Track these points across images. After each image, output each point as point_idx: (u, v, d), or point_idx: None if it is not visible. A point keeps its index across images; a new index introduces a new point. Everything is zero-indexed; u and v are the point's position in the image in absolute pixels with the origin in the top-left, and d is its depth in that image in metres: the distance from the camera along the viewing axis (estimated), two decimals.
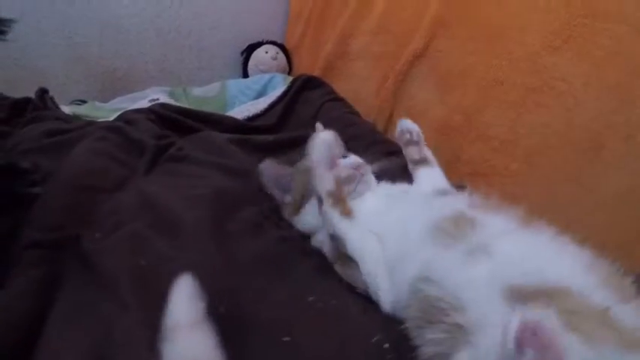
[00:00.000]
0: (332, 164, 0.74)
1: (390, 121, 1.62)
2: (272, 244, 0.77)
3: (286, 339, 0.55)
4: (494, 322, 0.46)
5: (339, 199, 0.70)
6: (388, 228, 0.69)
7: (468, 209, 0.66)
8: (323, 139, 0.75)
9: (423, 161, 0.95)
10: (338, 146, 0.70)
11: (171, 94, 1.80)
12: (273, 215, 0.88)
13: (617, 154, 0.98)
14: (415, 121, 1.48)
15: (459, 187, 1.16)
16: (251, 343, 0.55)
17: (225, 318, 0.55)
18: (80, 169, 0.95)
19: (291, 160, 1.03)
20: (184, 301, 0.50)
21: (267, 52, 2.20)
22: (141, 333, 0.53)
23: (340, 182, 0.72)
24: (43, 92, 1.48)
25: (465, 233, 0.60)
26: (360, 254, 0.67)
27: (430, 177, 0.92)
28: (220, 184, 0.94)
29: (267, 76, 1.92)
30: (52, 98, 1.50)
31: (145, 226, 0.75)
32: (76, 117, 1.54)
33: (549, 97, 1.11)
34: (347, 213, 0.69)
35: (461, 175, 1.29)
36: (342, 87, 1.81)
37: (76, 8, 1.90)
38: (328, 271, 0.73)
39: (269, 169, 0.89)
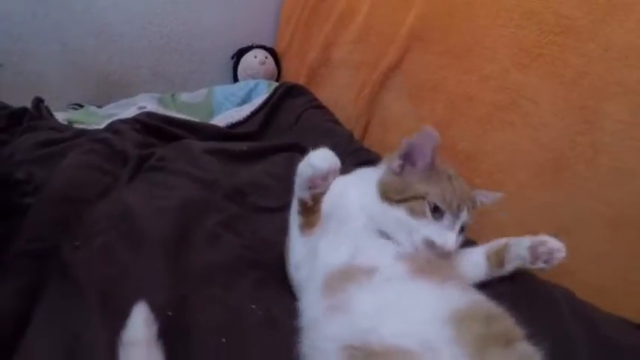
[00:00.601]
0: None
1: (367, 129, 1.71)
2: (228, 253, 0.87)
3: (223, 340, 0.67)
4: None
5: (310, 211, 0.77)
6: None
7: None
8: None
9: None
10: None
11: (160, 101, 1.90)
12: (235, 223, 0.99)
13: (580, 177, 1.00)
14: (388, 131, 1.58)
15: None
16: (192, 343, 0.66)
17: (173, 320, 0.67)
18: (66, 183, 1.06)
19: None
20: (140, 323, 0.62)
21: (255, 57, 2.28)
22: (103, 338, 0.64)
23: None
24: (38, 102, 1.60)
25: (342, 288, 0.64)
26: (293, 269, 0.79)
27: None
28: (189, 195, 1.05)
29: (251, 83, 2.02)
30: (47, 107, 1.61)
31: (117, 236, 0.86)
32: (70, 123, 1.66)
33: (516, 115, 1.14)
34: (309, 227, 0.78)
35: None
36: (324, 94, 1.90)
37: (72, 16, 2.00)
38: (277, 281, 0.84)
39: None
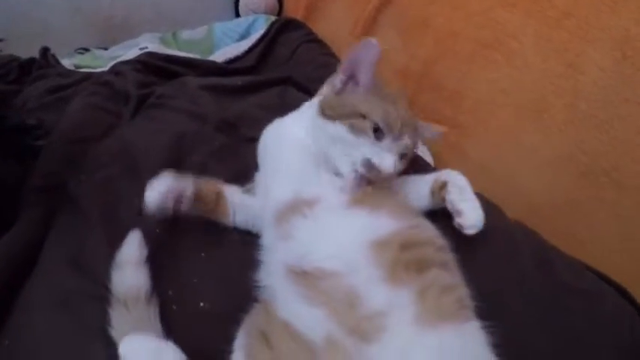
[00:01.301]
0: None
1: None
2: None
3: (202, 254, 0.79)
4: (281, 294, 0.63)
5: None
6: None
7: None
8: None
9: None
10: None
11: (161, 40, 1.96)
12: (224, 154, 1.08)
13: (559, 120, 0.99)
14: (379, 66, 1.59)
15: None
16: (177, 256, 0.78)
17: (161, 237, 0.79)
18: (72, 125, 1.17)
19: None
20: (133, 246, 0.73)
21: None
22: (102, 250, 0.77)
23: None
24: (45, 51, 1.70)
25: (287, 219, 0.69)
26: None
27: None
28: (183, 129, 1.14)
29: (250, 19, 2.04)
30: (53, 55, 1.71)
31: (117, 169, 0.97)
32: (77, 68, 1.75)
33: (499, 53, 1.12)
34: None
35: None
36: (322, 28, 1.91)
37: None
38: None
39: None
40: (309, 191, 0.73)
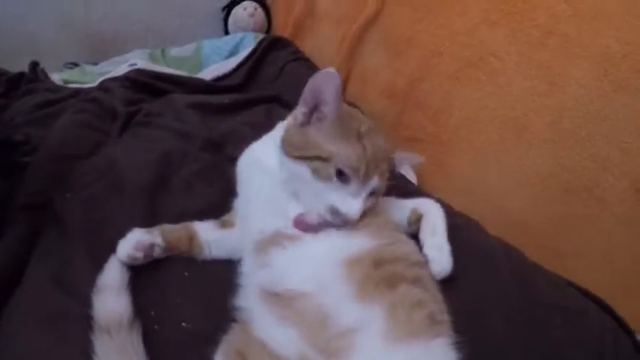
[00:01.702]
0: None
1: (348, 81, 1.76)
2: (200, 200, 0.98)
3: (185, 273, 0.80)
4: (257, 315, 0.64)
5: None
6: None
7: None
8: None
9: None
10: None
11: (150, 56, 1.98)
12: (208, 173, 1.09)
13: (541, 137, 1.01)
14: (367, 84, 1.63)
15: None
16: (159, 274, 0.80)
17: None
18: (59, 142, 1.18)
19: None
20: (115, 271, 0.74)
21: (245, 9, 2.31)
22: (87, 268, 0.78)
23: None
24: (34, 65, 1.71)
25: (266, 251, 0.70)
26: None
27: None
28: (169, 147, 1.15)
29: (238, 36, 2.07)
30: (42, 70, 1.72)
31: (102, 187, 0.98)
32: (66, 83, 1.76)
33: (483, 72, 1.15)
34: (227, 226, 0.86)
35: (400, 138, 1.42)
36: (309, 46, 1.96)
37: None
38: None
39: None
40: (285, 223, 0.73)
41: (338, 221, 0.70)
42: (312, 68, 1.82)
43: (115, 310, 0.69)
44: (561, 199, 0.98)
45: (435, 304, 0.64)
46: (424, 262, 0.73)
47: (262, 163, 0.82)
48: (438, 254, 0.76)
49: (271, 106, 1.50)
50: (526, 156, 1.04)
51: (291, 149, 0.73)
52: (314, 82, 0.72)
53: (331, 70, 0.70)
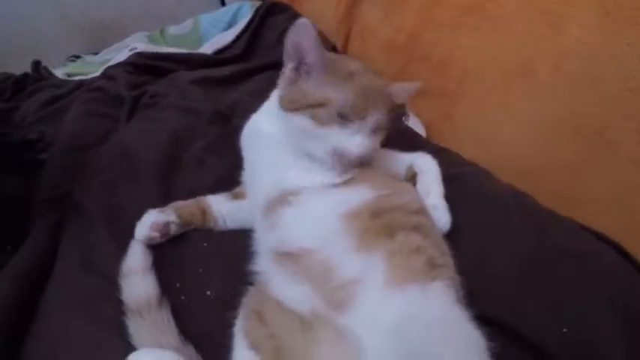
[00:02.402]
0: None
1: (348, 40, 1.72)
2: (211, 175, 1.00)
3: (205, 244, 0.83)
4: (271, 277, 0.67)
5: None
6: None
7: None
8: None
9: None
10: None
11: (150, 38, 1.97)
12: (218, 146, 1.10)
13: (546, 82, 0.97)
14: (367, 41, 1.60)
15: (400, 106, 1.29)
16: (182, 246, 0.83)
17: None
18: (72, 134, 1.21)
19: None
20: (138, 255, 0.77)
21: None
22: (111, 250, 0.81)
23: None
24: (37, 64, 1.73)
25: (275, 210, 0.72)
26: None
27: None
28: (177, 125, 1.17)
29: (235, 6, 2.04)
30: (45, 67, 1.74)
31: (116, 172, 1.01)
32: (70, 76, 1.78)
33: (482, 19, 1.11)
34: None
35: None
36: (307, 9, 1.92)
37: None
38: None
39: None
40: (293, 182, 0.74)
41: (347, 162, 0.72)
42: None
43: (143, 292, 0.72)
44: (572, 144, 0.94)
45: (435, 249, 0.65)
46: (425, 209, 0.73)
47: (263, 131, 0.84)
48: (433, 213, 0.76)
49: (273, 72, 1.47)
50: (533, 102, 1.01)
51: (289, 104, 0.75)
52: (291, 37, 0.72)
53: (303, 20, 0.70)
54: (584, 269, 0.74)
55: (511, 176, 0.99)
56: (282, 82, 0.80)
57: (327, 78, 0.72)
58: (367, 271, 0.59)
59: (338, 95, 0.71)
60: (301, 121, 0.73)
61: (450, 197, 0.79)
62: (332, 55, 0.78)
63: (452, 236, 0.75)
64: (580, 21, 0.90)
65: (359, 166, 0.74)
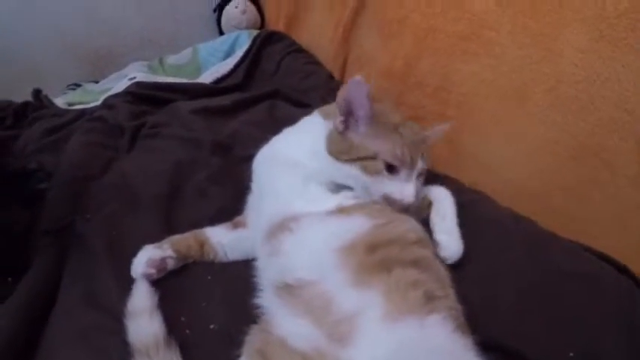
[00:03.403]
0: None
1: (345, 68, 1.75)
2: (213, 205, 1.01)
3: (208, 277, 0.83)
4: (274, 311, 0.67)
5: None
6: None
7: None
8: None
9: None
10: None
11: (149, 67, 2.00)
12: (220, 176, 1.11)
13: (542, 106, 0.99)
14: (364, 68, 1.63)
15: None
16: (185, 280, 0.83)
17: None
18: (73, 164, 1.21)
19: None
20: (143, 295, 0.77)
21: (236, 7, 2.31)
22: (113, 282, 0.81)
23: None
24: (37, 92, 1.75)
25: (277, 235, 0.73)
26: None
27: None
28: (179, 156, 1.18)
29: (233, 36, 2.08)
30: (46, 96, 1.76)
31: (118, 204, 1.02)
32: (71, 105, 1.80)
33: (478, 45, 1.13)
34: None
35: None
36: (304, 36, 1.95)
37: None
38: None
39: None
40: (296, 207, 0.76)
41: (396, 207, 0.76)
42: (308, 59, 1.83)
43: (150, 333, 0.71)
44: (569, 166, 0.96)
45: (433, 281, 0.65)
46: (425, 240, 0.74)
47: (286, 156, 0.86)
48: (447, 239, 0.78)
49: (272, 102, 1.51)
50: (530, 125, 1.02)
51: (339, 154, 0.78)
52: (345, 93, 0.76)
53: (358, 78, 0.74)
54: (588, 291, 0.75)
55: (511, 199, 1.01)
56: (331, 130, 0.82)
57: (376, 130, 0.78)
58: (365, 306, 0.60)
59: (388, 148, 0.76)
60: (352, 170, 0.77)
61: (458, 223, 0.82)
62: (378, 106, 0.80)
63: (455, 263, 0.76)
64: (574, 44, 0.91)
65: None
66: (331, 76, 1.70)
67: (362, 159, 0.77)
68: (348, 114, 0.78)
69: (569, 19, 0.92)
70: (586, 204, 0.95)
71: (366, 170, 0.76)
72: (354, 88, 0.75)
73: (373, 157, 0.76)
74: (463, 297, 0.69)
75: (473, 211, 0.90)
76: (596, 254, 0.85)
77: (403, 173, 0.77)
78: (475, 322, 0.66)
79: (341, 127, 0.79)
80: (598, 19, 0.87)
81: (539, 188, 1.03)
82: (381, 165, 0.76)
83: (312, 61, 1.80)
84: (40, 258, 0.93)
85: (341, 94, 0.78)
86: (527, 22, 1.00)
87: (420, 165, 0.79)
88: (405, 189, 0.76)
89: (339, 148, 0.79)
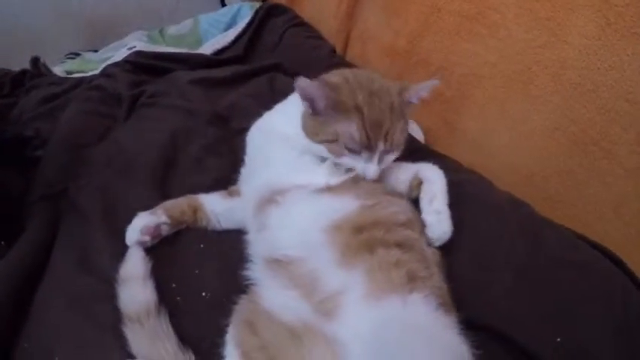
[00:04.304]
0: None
1: (348, 43, 1.72)
2: (209, 175, 1.00)
3: (201, 246, 0.84)
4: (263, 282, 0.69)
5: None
6: None
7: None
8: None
9: None
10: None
11: (149, 37, 1.97)
12: (217, 146, 1.10)
13: (545, 90, 0.98)
14: (367, 45, 1.60)
15: None
16: (177, 249, 0.83)
17: None
18: (69, 132, 1.20)
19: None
20: (137, 262, 0.77)
21: None
22: (107, 249, 0.82)
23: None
24: (36, 60, 1.72)
25: (264, 209, 0.75)
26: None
27: None
28: (176, 126, 1.17)
29: (235, 7, 2.04)
30: (44, 64, 1.73)
31: (113, 172, 1.01)
32: (69, 74, 1.78)
33: (482, 26, 1.11)
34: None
35: None
36: (307, 10, 1.92)
37: None
38: None
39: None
40: (285, 179, 0.78)
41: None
42: (311, 33, 1.80)
43: (142, 300, 0.72)
44: (569, 153, 0.95)
45: (417, 262, 0.66)
46: (413, 221, 0.74)
47: (277, 130, 0.88)
48: (436, 220, 0.76)
49: (273, 75, 1.49)
50: (532, 110, 1.02)
51: (311, 135, 0.81)
52: (299, 91, 0.78)
53: (304, 81, 0.75)
54: (578, 278, 0.75)
55: (508, 183, 1.00)
56: (303, 111, 0.82)
57: (337, 114, 0.77)
58: (349, 285, 0.61)
59: (345, 131, 0.77)
60: (320, 150, 0.80)
61: (448, 204, 0.79)
62: (342, 84, 0.80)
63: (448, 242, 0.75)
64: (581, 30, 0.90)
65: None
66: (333, 51, 1.67)
67: (326, 141, 0.79)
68: (311, 103, 0.79)
69: (576, 5, 0.91)
70: (583, 191, 0.95)
71: (330, 151, 0.79)
72: (309, 89, 0.76)
73: (335, 140, 0.78)
74: (456, 277, 0.70)
75: (470, 191, 0.90)
76: (590, 243, 0.85)
77: (364, 154, 0.78)
78: (466, 303, 0.67)
79: (307, 108, 0.80)
80: (606, 7, 0.86)
81: (538, 173, 1.03)
82: (342, 147, 0.77)
83: (315, 35, 1.77)
84: (34, 222, 0.93)
85: (296, 87, 0.78)
86: (534, 6, 0.99)
87: (389, 142, 0.78)
88: (366, 168, 0.78)
89: (311, 129, 0.81)
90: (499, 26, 1.07)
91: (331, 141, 0.78)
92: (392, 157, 0.81)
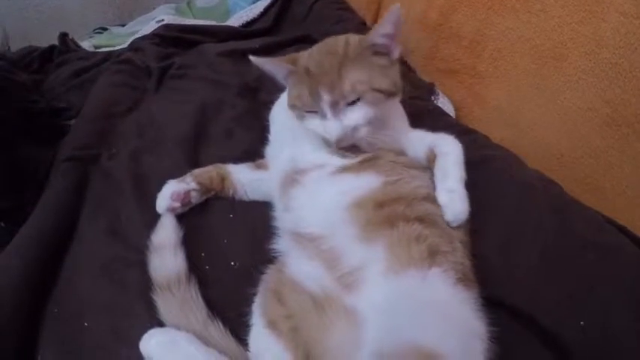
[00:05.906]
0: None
1: (378, 14, 1.68)
2: (239, 146, 0.99)
3: (230, 215, 0.83)
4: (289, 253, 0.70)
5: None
6: None
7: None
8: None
9: None
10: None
11: (177, 10, 1.96)
12: (246, 118, 1.09)
13: (579, 68, 0.95)
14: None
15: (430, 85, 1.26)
16: (208, 218, 0.82)
17: None
18: (100, 102, 1.21)
19: None
20: (169, 230, 0.76)
21: None
22: (138, 217, 0.81)
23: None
24: (63, 36, 1.73)
25: (288, 191, 0.76)
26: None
27: None
28: (205, 97, 1.16)
29: None
30: (72, 40, 1.74)
31: (144, 142, 1.02)
32: (97, 48, 1.79)
33: (517, 0, 1.08)
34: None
35: (436, 71, 1.36)
36: None
37: None
38: None
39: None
40: (308, 158, 0.79)
41: (334, 147, 0.77)
42: (341, 4, 1.75)
43: (173, 268, 0.71)
44: (601, 133, 0.92)
45: (439, 237, 0.65)
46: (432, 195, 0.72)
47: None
48: (448, 199, 0.71)
49: (302, 46, 1.45)
50: (565, 87, 0.98)
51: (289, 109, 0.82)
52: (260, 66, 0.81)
53: (254, 57, 0.80)
54: (604, 262, 0.72)
55: (538, 160, 0.98)
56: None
57: (292, 83, 0.80)
58: (370, 260, 0.62)
59: (297, 94, 0.77)
60: (294, 119, 0.81)
61: (476, 180, 0.75)
62: (303, 54, 0.82)
63: (475, 219, 0.72)
64: (618, 8, 0.87)
65: (367, 147, 0.78)
66: (363, 23, 1.63)
67: (292, 108, 0.80)
68: (273, 78, 0.83)
69: None
70: (614, 174, 0.92)
71: (297, 119, 0.80)
72: (264, 65, 0.81)
73: (293, 105, 0.79)
74: (480, 253, 0.69)
75: (500, 167, 0.89)
76: (618, 227, 0.81)
77: (320, 113, 0.75)
78: (490, 280, 0.66)
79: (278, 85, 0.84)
80: None
81: (568, 153, 1.00)
82: (301, 111, 0.77)
83: (344, 7, 1.73)
84: (57, 182, 0.94)
85: (256, 65, 0.82)
86: None
87: (344, 97, 0.72)
88: (326, 126, 0.74)
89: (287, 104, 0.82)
90: (534, 1, 1.04)
91: (293, 107, 0.79)
92: (359, 110, 0.74)
